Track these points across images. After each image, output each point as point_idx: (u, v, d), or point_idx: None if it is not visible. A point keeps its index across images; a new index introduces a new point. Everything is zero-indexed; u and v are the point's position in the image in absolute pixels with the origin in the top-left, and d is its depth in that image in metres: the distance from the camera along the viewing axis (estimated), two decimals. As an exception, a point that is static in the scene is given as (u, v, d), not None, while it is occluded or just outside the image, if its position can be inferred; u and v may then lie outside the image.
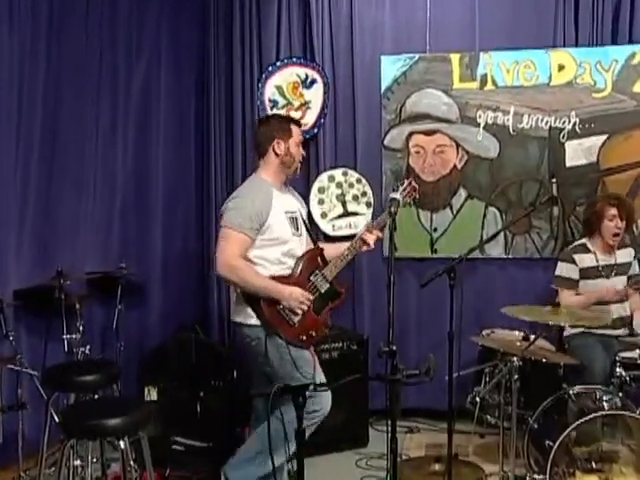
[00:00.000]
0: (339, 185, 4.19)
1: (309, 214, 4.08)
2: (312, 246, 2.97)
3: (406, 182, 2.95)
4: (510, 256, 4.06)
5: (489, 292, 4.05)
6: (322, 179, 4.18)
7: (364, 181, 4.18)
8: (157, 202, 4.16)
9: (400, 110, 4.13)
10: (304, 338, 2.80)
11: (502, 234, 4.02)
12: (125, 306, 3.67)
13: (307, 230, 2.99)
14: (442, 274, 2.99)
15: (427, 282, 3.05)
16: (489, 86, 4.03)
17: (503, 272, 4.09)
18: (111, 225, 3.95)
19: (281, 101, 4.22)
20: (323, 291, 2.87)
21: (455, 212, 4.12)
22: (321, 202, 4.18)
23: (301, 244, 2.92)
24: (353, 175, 4.19)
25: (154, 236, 4.16)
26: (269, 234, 2.78)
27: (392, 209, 2.58)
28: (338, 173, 4.19)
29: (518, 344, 2.86)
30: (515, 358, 2.72)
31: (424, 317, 4.15)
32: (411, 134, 4.13)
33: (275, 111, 4.17)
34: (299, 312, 2.76)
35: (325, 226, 4.17)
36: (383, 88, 4.14)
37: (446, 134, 4.09)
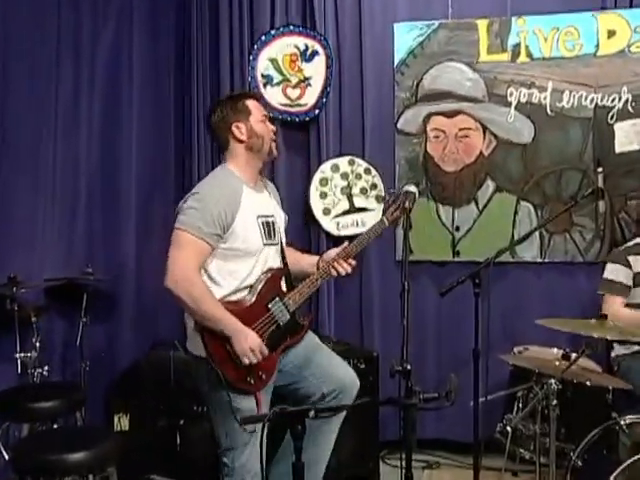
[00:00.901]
0: (344, 176, 4.17)
1: (309, 211, 4.10)
2: (280, 264, 2.81)
3: (388, 198, 2.82)
4: (547, 259, 4.04)
5: (521, 302, 4.03)
6: (324, 169, 4.16)
7: (374, 171, 4.17)
8: (130, 196, 4.16)
9: (416, 87, 4.13)
10: (252, 381, 2.60)
11: (537, 233, 4.01)
12: (91, 319, 3.70)
13: (281, 241, 2.84)
14: (465, 281, 3.02)
15: (448, 290, 3.09)
16: (522, 58, 4.01)
17: (538, 279, 4.07)
18: (75, 223, 3.97)
19: (276, 77, 4.21)
20: (282, 324, 2.71)
21: (481, 208, 4.10)
22: (323, 196, 4.16)
23: (276, 255, 2.79)
24: (361, 164, 4.17)
25: (126, 237, 4.15)
26: (231, 242, 2.61)
27: (407, 204, 2.60)
28: (343, 162, 4.18)
29: (557, 364, 2.83)
30: (553, 380, 2.69)
31: (444, 331, 4.14)
32: (429, 116, 4.12)
33: (269, 88, 4.18)
34: (246, 362, 2.56)
35: (328, 224, 4.15)
36: (396, 61, 4.14)
37: (471, 115, 4.08)
